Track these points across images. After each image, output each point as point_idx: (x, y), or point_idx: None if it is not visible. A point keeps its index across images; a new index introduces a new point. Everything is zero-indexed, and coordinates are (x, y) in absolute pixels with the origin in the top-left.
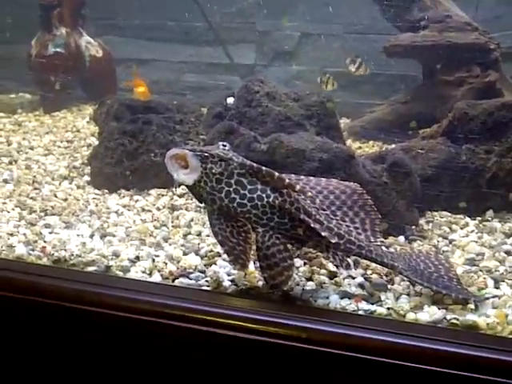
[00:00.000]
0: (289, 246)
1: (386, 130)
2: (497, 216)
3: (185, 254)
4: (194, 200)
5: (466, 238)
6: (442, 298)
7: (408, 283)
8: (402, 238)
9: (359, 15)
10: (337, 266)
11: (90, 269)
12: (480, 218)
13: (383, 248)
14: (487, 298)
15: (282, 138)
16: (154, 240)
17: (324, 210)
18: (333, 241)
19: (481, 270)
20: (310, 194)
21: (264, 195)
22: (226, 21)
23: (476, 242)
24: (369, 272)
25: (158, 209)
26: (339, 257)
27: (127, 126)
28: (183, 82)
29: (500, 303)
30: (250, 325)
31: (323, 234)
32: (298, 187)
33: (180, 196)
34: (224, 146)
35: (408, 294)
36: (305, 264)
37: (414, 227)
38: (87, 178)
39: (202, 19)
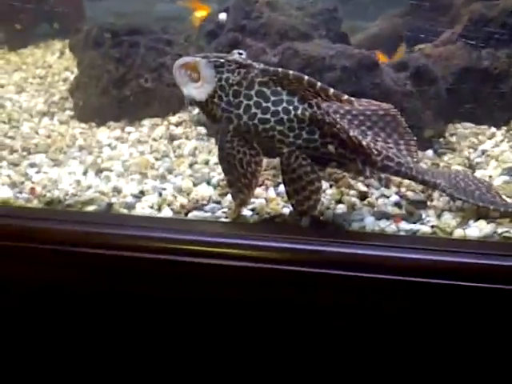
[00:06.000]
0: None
1: (383, 46)
2: None
3: (195, 184)
4: (193, 128)
5: (497, 147)
6: (486, 213)
7: (447, 199)
8: (430, 152)
9: None
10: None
11: (90, 208)
12: (506, 128)
13: (423, 165)
14: None
15: (296, 46)
16: (157, 172)
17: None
18: (373, 156)
19: None
20: (345, 97)
21: (291, 107)
22: None
23: (509, 151)
24: (402, 190)
25: (155, 140)
26: (376, 175)
27: (111, 50)
28: (155, 13)
29: None
30: (279, 255)
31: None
32: (331, 91)
33: (176, 125)
34: (240, 53)
35: (450, 210)
36: (331, 186)
37: (441, 139)
38: (69, 112)
39: None
